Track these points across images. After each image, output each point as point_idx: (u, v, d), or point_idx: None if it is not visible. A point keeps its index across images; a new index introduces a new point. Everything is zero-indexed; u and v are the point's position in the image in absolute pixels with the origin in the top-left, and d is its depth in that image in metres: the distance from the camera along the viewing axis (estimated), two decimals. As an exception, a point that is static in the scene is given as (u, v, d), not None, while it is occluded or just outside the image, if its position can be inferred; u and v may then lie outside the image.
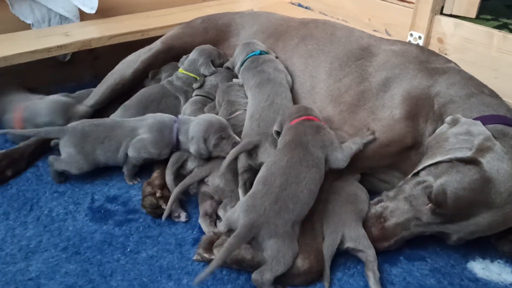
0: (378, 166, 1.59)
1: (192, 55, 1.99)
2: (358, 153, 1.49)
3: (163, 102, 1.90)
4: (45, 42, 2.06)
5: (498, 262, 1.47)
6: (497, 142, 1.32)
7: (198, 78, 1.93)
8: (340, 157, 1.45)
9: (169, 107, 1.89)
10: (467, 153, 1.30)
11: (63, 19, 2.34)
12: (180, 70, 1.97)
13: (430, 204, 1.33)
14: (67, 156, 1.66)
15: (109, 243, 1.47)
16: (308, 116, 1.51)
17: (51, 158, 1.68)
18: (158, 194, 1.58)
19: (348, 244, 1.38)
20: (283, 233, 1.28)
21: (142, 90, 1.94)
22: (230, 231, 1.36)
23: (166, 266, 1.40)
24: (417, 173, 1.41)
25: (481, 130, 1.35)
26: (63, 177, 1.73)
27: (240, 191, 1.52)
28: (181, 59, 2.04)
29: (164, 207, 1.55)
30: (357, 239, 1.38)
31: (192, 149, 1.62)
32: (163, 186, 1.63)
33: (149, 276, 1.36)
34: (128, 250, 1.45)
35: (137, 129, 1.68)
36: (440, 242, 1.51)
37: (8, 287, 1.31)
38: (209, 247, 1.39)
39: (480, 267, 1.45)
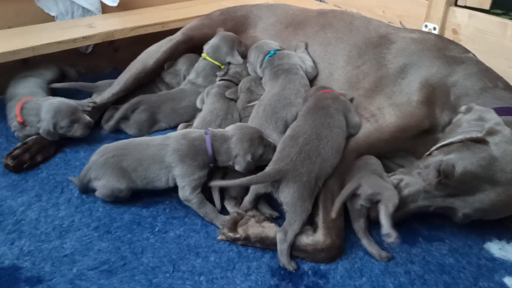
0: (396, 150, 1.63)
1: (215, 41, 2.03)
2: (376, 138, 1.54)
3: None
4: (70, 33, 2.14)
5: (514, 243, 1.52)
6: (508, 128, 1.37)
7: (222, 67, 1.99)
8: (357, 120, 1.60)
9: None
10: (478, 134, 1.37)
11: (85, 12, 2.41)
12: (204, 55, 2.02)
13: (438, 177, 1.39)
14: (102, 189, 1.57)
15: (138, 223, 1.53)
16: (326, 90, 1.67)
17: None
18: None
19: (367, 191, 1.40)
20: (306, 182, 1.41)
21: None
22: (253, 216, 1.46)
23: (193, 244, 1.46)
24: (430, 154, 1.48)
25: (493, 117, 1.41)
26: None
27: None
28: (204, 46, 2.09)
29: None
30: (374, 184, 1.41)
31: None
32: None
33: (177, 253, 1.42)
34: (157, 229, 1.51)
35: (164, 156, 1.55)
36: (457, 225, 1.56)
37: (45, 263, 1.37)
38: (233, 227, 1.45)
39: (497, 248, 1.50)
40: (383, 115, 1.60)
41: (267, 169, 1.45)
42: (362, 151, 1.58)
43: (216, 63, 2.01)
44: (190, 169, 1.51)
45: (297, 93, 1.75)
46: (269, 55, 1.92)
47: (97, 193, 1.58)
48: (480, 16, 2.12)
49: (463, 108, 1.50)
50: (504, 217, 1.52)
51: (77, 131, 1.83)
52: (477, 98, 1.54)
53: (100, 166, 1.55)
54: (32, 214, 1.55)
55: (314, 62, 1.92)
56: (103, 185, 1.55)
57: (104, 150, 1.58)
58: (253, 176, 1.42)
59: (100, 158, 1.56)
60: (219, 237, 1.46)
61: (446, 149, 1.43)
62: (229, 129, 1.59)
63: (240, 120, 1.84)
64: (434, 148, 1.47)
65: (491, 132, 1.36)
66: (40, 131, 1.78)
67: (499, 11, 2.33)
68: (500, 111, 1.45)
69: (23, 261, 1.37)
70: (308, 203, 1.41)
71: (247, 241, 1.43)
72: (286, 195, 1.40)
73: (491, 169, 1.33)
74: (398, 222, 1.45)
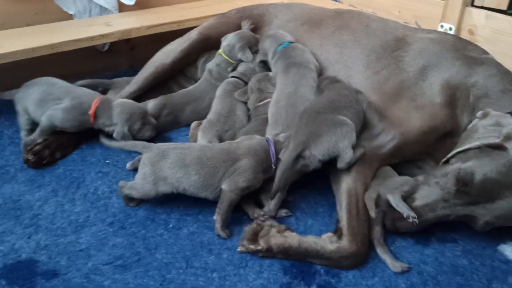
0: (419, 153, 1.61)
1: (231, 39, 2.05)
2: (402, 142, 1.54)
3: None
4: (88, 31, 2.17)
5: (529, 246, 1.50)
6: None
7: (233, 63, 2.01)
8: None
9: None
10: (495, 140, 1.35)
11: (102, 10, 2.44)
12: (220, 51, 2.05)
13: (457, 186, 1.37)
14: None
15: (152, 220, 1.55)
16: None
17: (121, 183, 1.58)
18: None
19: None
20: (326, 129, 1.46)
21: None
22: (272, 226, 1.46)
23: (206, 241, 1.47)
24: (447, 161, 1.45)
25: (510, 122, 1.39)
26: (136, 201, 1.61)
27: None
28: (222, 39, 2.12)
29: None
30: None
31: None
32: None
33: (191, 250, 1.44)
34: (170, 226, 1.53)
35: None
36: (470, 227, 1.55)
37: (61, 257, 1.39)
38: (254, 238, 1.43)
39: (511, 250, 1.48)
40: (409, 118, 1.58)
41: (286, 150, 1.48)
42: (389, 156, 1.57)
43: (230, 60, 2.03)
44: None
45: (311, 89, 1.76)
46: (282, 45, 1.92)
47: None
48: (497, 17, 2.10)
49: (479, 113, 1.48)
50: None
51: (146, 132, 1.87)
52: (497, 100, 1.52)
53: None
54: (48, 209, 1.58)
55: (327, 62, 1.94)
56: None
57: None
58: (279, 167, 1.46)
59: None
60: (239, 249, 1.42)
61: (464, 156, 1.40)
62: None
63: (249, 120, 1.86)
64: (450, 154, 1.44)
65: (509, 137, 1.35)
66: (115, 135, 1.81)
67: (516, 12, 2.30)
68: None
69: (40, 255, 1.40)
70: (345, 140, 1.46)
71: (268, 253, 1.40)
72: (321, 153, 1.44)
73: (511, 175, 1.31)
74: (417, 231, 1.47)
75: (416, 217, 1.36)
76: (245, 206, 1.58)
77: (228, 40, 2.07)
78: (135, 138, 1.82)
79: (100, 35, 2.14)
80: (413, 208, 1.41)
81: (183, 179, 1.50)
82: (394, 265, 1.39)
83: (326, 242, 1.39)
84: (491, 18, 2.11)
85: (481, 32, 2.15)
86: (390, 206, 1.41)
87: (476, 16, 2.16)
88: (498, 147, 1.34)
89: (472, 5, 2.20)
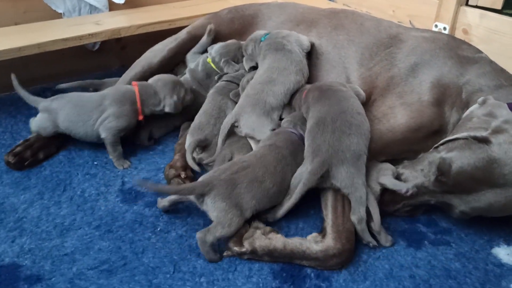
0: (407, 151, 1.60)
1: (215, 55, 1.97)
2: (389, 138, 1.53)
3: None
4: (77, 30, 2.13)
5: (523, 249, 1.48)
6: None
7: (219, 72, 1.97)
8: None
9: None
10: (482, 133, 1.34)
11: (92, 9, 2.41)
12: (209, 60, 1.99)
13: (436, 174, 1.40)
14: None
15: (139, 223, 1.52)
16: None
17: (199, 234, 1.37)
18: (183, 175, 1.62)
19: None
20: (350, 158, 1.41)
21: None
22: (258, 227, 1.43)
23: (195, 245, 1.43)
24: (436, 148, 1.47)
25: (504, 113, 1.38)
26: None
27: None
28: (208, 48, 2.06)
29: None
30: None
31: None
32: (186, 167, 1.67)
33: (179, 254, 1.41)
34: (158, 229, 1.50)
35: None
36: (464, 228, 1.54)
37: (45, 262, 1.36)
38: (239, 240, 1.40)
39: (505, 253, 1.46)
40: (395, 115, 1.58)
41: (309, 165, 1.43)
42: (376, 153, 1.55)
43: (215, 68, 1.98)
44: None
45: (282, 71, 1.73)
46: (263, 38, 1.90)
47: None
48: (492, 16, 2.07)
49: (480, 99, 1.46)
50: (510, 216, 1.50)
51: (187, 96, 1.89)
52: (492, 93, 1.50)
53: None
54: (33, 212, 1.54)
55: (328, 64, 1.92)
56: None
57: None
58: (304, 177, 1.42)
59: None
60: (225, 253, 1.40)
61: (451, 145, 1.41)
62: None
63: None
64: (440, 142, 1.46)
65: (497, 131, 1.34)
66: (167, 109, 1.82)
67: (511, 12, 2.28)
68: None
69: (23, 259, 1.36)
70: (361, 179, 1.41)
71: (254, 255, 1.38)
72: (341, 179, 1.40)
73: (488, 171, 1.31)
74: (403, 215, 1.52)
75: (413, 186, 1.41)
76: None
77: (214, 52, 2.00)
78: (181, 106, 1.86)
79: (89, 34, 2.11)
80: (396, 192, 1.45)
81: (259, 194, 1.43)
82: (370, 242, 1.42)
83: (312, 242, 1.37)
84: (485, 17, 2.09)
85: (475, 31, 2.13)
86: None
87: (471, 16, 2.14)
88: (483, 141, 1.33)
89: (467, 4, 2.18)
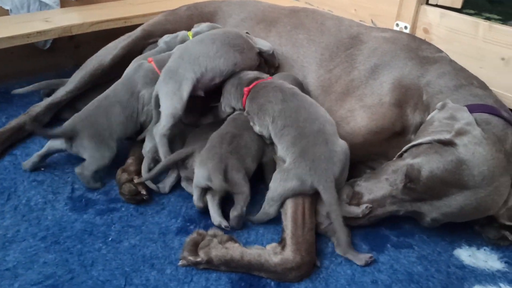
0: (369, 154, 1.57)
1: (202, 29, 1.86)
2: (349, 142, 1.48)
3: None
4: (24, 28, 2.01)
5: (484, 250, 1.47)
6: (479, 128, 1.33)
7: None
8: None
9: None
10: (446, 136, 1.32)
11: (42, 6, 2.28)
12: (189, 33, 1.85)
13: (405, 182, 1.35)
14: None
15: (89, 233, 1.43)
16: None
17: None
18: (136, 180, 1.54)
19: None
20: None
21: None
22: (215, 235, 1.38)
23: (149, 255, 1.36)
24: (400, 156, 1.43)
25: (464, 116, 1.36)
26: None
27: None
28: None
29: (144, 193, 1.51)
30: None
31: None
32: (139, 171, 1.59)
33: (131, 265, 1.33)
34: (110, 239, 1.41)
35: None
36: (426, 230, 1.51)
37: (-16, 278, 1.26)
38: (194, 249, 1.34)
39: (466, 255, 1.44)
40: (355, 118, 1.54)
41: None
42: None
43: None
44: None
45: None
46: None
47: None
48: (452, 15, 2.07)
49: (439, 104, 1.45)
50: (474, 220, 1.48)
51: None
52: (451, 95, 1.49)
53: None
54: (-27, 223, 1.43)
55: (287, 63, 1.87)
56: None
57: None
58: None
59: None
60: (180, 262, 1.33)
61: (415, 151, 1.38)
62: None
63: None
64: (404, 149, 1.42)
65: (460, 133, 1.32)
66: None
67: (472, 11, 2.30)
68: (473, 108, 1.41)
69: (-40, 275, 1.26)
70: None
71: (210, 265, 1.31)
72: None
73: (458, 173, 1.28)
74: (369, 225, 1.45)
75: (368, 205, 1.37)
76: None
77: (200, 28, 1.87)
78: None
79: (38, 32, 1.99)
80: (360, 204, 1.40)
81: None
82: (359, 258, 1.37)
83: (270, 254, 1.31)
84: (445, 16, 2.08)
85: (436, 30, 2.12)
86: None
87: (431, 15, 2.13)
88: (448, 143, 1.31)
89: (427, 3, 2.17)
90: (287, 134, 1.44)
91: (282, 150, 1.44)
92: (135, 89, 1.66)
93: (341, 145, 1.42)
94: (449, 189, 1.30)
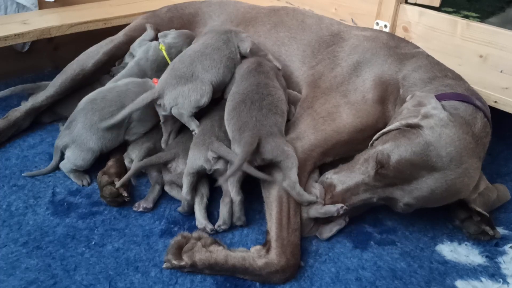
0: (353, 150, 1.57)
1: (175, 37, 1.89)
2: (335, 140, 1.50)
3: None
4: (2, 30, 1.98)
5: (466, 244, 1.49)
6: (446, 112, 1.35)
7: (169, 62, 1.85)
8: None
9: None
10: (413, 120, 1.34)
11: (20, 8, 2.25)
12: (161, 46, 1.86)
13: (376, 168, 1.36)
14: None
15: (72, 237, 1.41)
16: None
17: None
18: (117, 184, 1.53)
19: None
20: (277, 132, 1.45)
21: None
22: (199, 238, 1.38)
23: (133, 258, 1.35)
24: (371, 145, 1.46)
25: (432, 101, 1.39)
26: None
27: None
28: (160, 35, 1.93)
29: (125, 195, 1.50)
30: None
31: None
32: (120, 173, 1.58)
33: (115, 269, 1.31)
34: (93, 243, 1.40)
35: None
36: (408, 226, 1.53)
37: (-36, 285, 1.24)
38: (178, 252, 1.33)
39: (448, 250, 1.46)
40: (340, 114, 1.55)
41: (238, 142, 1.42)
42: (321, 156, 1.52)
43: (168, 60, 1.85)
44: None
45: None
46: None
47: None
48: (431, 14, 2.10)
49: (408, 97, 1.48)
50: (455, 215, 1.53)
51: None
52: (425, 87, 1.51)
53: None
54: (-49, 230, 1.40)
55: None
56: None
57: None
58: (240, 153, 1.38)
59: None
60: (164, 265, 1.32)
61: (385, 137, 1.41)
62: None
63: None
64: (375, 137, 1.45)
65: (427, 116, 1.34)
66: None
67: (450, 9, 2.34)
68: (442, 97, 1.43)
69: None
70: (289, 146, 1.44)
71: (194, 268, 1.30)
72: (271, 150, 1.39)
73: (426, 154, 1.30)
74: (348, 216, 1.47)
75: (343, 206, 1.38)
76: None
77: (171, 38, 1.89)
78: None
79: (15, 34, 1.96)
80: (334, 195, 1.41)
81: None
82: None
83: (255, 257, 1.31)
84: (424, 15, 2.11)
85: (415, 29, 2.15)
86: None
87: (410, 13, 2.15)
88: (415, 126, 1.33)
89: (406, 2, 2.19)
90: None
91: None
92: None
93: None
94: (419, 171, 1.31)
